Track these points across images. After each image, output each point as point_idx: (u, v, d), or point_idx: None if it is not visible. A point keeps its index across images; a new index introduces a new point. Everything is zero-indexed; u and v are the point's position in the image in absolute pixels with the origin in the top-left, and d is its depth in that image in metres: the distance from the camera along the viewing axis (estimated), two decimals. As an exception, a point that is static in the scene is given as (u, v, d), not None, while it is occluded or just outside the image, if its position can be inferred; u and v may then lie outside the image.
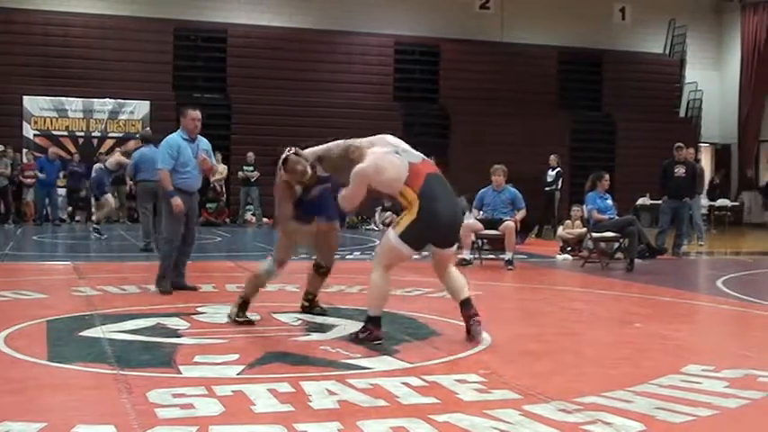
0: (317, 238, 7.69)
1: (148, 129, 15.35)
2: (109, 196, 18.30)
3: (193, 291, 9.67)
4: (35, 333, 6.92)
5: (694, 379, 5.46)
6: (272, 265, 7.48)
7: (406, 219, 6.58)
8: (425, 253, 7.09)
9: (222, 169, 24.54)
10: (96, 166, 19.95)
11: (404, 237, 6.56)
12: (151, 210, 14.84)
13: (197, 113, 9.78)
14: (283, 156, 7.12)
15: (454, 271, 7.00)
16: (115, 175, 19.42)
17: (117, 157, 18.53)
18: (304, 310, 8.00)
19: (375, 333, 6.54)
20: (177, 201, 9.34)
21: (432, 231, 6.61)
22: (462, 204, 7.30)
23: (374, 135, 7.04)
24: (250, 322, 7.40)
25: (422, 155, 6.84)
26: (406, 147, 6.83)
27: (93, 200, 22.82)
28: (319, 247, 7.82)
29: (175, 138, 9.66)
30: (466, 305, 6.83)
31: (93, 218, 18.44)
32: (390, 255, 6.69)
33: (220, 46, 28.30)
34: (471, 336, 6.76)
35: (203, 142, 9.93)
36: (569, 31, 30.64)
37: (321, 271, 7.89)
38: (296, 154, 7.12)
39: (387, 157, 6.66)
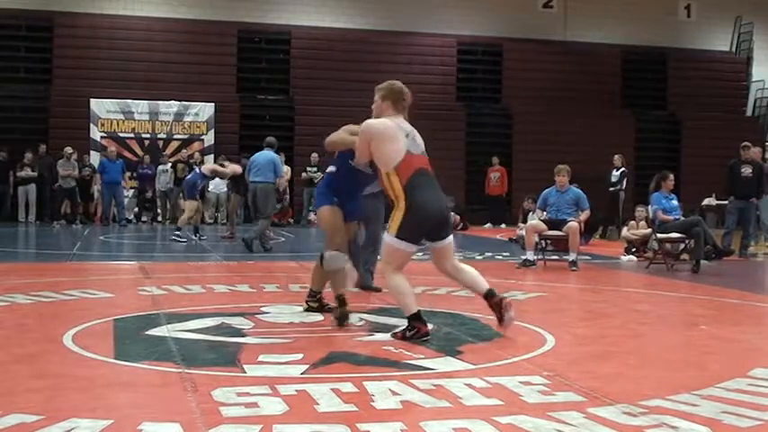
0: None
1: (273, 138, 15.80)
2: (195, 201, 18.39)
3: (378, 292, 9.68)
4: (102, 332, 7.01)
5: (761, 383, 5.37)
6: (333, 254, 7.53)
7: (397, 217, 6.64)
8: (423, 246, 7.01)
9: (286, 170, 24.68)
10: (195, 170, 19.93)
11: (400, 235, 6.63)
12: (254, 208, 15.58)
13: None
14: None
15: (462, 265, 7.06)
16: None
17: (214, 165, 18.75)
18: (312, 310, 7.99)
19: (422, 330, 6.57)
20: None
21: (423, 223, 6.65)
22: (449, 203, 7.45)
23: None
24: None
25: (423, 149, 6.85)
26: (416, 136, 6.83)
27: (180, 201, 23.32)
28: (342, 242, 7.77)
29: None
30: (490, 295, 6.91)
31: (179, 222, 18.57)
32: (394, 256, 6.73)
33: (284, 48, 28.53)
34: (504, 323, 6.81)
35: None
36: (633, 30, 30.38)
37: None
38: None
39: (396, 132, 6.70)
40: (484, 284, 6.98)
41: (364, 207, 8.63)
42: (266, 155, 15.49)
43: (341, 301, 7.44)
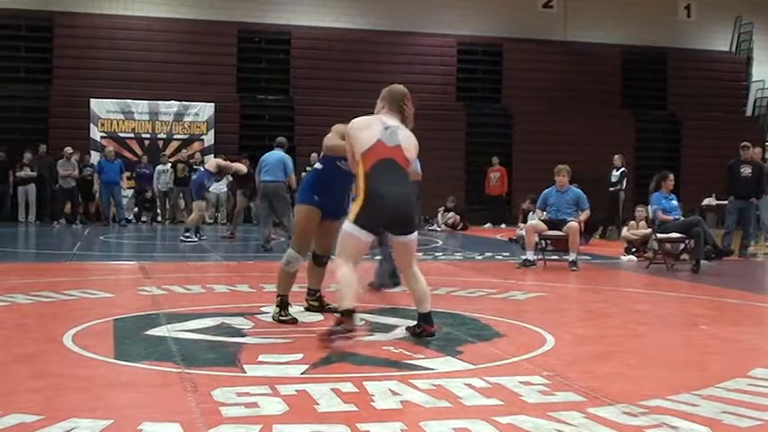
0: (322, 228, 7.67)
1: (283, 138, 15.86)
2: (203, 201, 18.33)
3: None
4: (102, 332, 7.01)
5: (761, 383, 5.37)
6: (292, 253, 7.56)
7: (356, 206, 6.55)
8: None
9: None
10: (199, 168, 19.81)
11: (357, 222, 6.49)
12: (267, 209, 15.51)
13: None
14: None
15: (420, 276, 6.82)
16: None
17: (217, 160, 18.65)
18: (313, 309, 7.99)
19: (349, 326, 6.40)
20: None
21: (379, 211, 6.49)
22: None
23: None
24: (294, 321, 7.49)
25: (400, 142, 6.67)
26: (398, 132, 6.72)
27: (184, 202, 23.53)
28: (323, 238, 7.77)
29: None
30: (425, 319, 6.76)
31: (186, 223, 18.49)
32: (349, 244, 6.54)
33: (284, 48, 28.53)
34: (413, 335, 6.74)
35: None
36: (633, 30, 30.40)
37: (323, 261, 7.91)
38: None
39: (373, 122, 6.69)
40: (426, 307, 6.79)
41: None
42: (276, 155, 15.49)
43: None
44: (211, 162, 18.41)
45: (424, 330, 6.74)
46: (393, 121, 6.76)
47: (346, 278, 6.46)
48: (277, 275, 7.75)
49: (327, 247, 7.77)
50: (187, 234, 17.50)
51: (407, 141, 6.75)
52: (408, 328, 6.89)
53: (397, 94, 6.91)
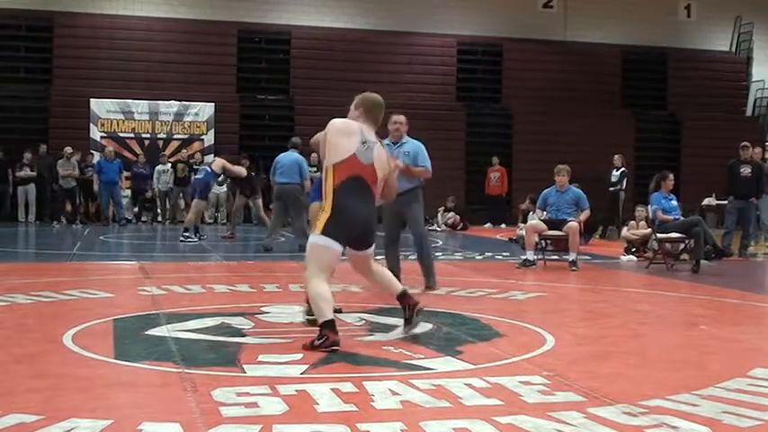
0: None
1: (298, 138, 15.84)
2: (204, 201, 18.27)
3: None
4: (102, 332, 7.02)
5: (761, 383, 5.37)
6: None
7: (322, 218, 6.54)
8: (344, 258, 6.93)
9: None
10: (202, 167, 19.62)
11: (326, 233, 6.48)
12: (280, 210, 15.60)
13: (395, 117, 10.10)
14: None
15: (378, 267, 6.96)
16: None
17: (223, 161, 18.58)
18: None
19: (331, 338, 6.22)
20: None
21: (347, 227, 6.52)
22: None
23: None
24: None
25: (373, 161, 6.67)
26: (374, 148, 6.73)
27: (184, 202, 23.75)
28: None
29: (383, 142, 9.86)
30: (404, 295, 6.81)
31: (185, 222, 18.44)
32: (321, 256, 6.52)
33: (284, 48, 28.53)
34: (410, 326, 6.75)
35: (408, 145, 10.11)
36: (633, 30, 30.40)
37: None
38: None
39: (355, 132, 6.65)
40: (398, 287, 6.87)
41: (400, 204, 9.14)
42: (291, 156, 15.46)
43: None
44: (217, 162, 18.36)
45: (405, 302, 6.77)
46: (371, 135, 6.78)
47: (320, 291, 6.41)
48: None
49: None
50: (186, 234, 17.47)
51: (380, 160, 6.77)
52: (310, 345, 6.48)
53: (377, 105, 6.97)
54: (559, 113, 28.51)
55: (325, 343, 6.20)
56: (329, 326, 6.28)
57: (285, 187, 15.22)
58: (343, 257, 6.84)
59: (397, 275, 9.92)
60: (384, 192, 7.01)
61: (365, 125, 6.80)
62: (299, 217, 15.17)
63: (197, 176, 18.49)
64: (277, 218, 15.77)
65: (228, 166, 18.23)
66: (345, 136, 6.61)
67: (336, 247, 6.51)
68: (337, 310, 7.63)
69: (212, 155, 25.35)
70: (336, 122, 6.73)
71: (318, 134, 7.12)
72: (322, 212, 6.56)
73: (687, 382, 5.33)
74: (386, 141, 9.70)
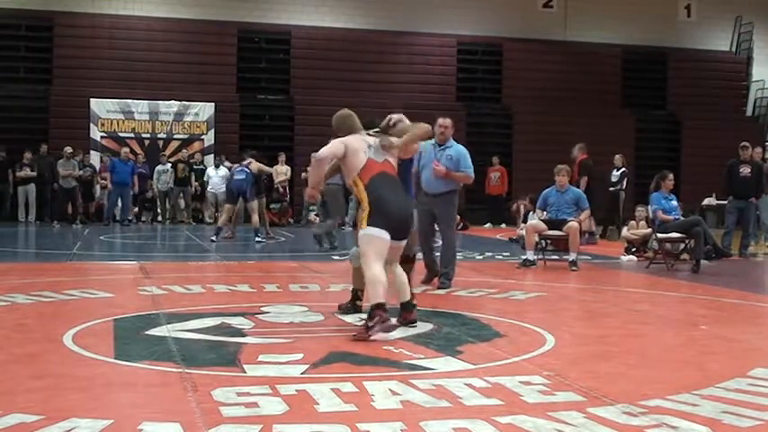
0: None
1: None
2: (254, 202, 18.25)
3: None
4: (102, 331, 7.02)
5: (761, 383, 5.38)
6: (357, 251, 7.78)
7: (364, 216, 6.98)
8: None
9: (285, 170, 24.74)
10: (239, 169, 19.43)
11: (372, 224, 6.89)
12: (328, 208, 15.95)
13: (441, 121, 10.38)
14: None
15: (400, 271, 7.26)
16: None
17: (259, 164, 18.56)
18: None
19: (383, 317, 6.68)
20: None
21: (389, 217, 6.92)
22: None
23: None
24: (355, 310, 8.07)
25: (387, 156, 7.20)
26: (378, 149, 7.19)
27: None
28: None
29: (428, 143, 10.06)
30: (407, 306, 7.18)
31: (219, 222, 18.37)
32: (375, 245, 6.89)
33: (284, 48, 28.52)
34: (395, 327, 6.93)
35: (452, 149, 10.36)
36: (633, 30, 30.39)
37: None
38: None
39: (360, 145, 7.15)
40: (407, 295, 7.21)
41: (434, 204, 9.57)
42: None
43: (355, 295, 8.06)
44: (254, 165, 18.35)
45: (405, 316, 7.12)
46: (369, 138, 7.29)
47: (377, 274, 6.81)
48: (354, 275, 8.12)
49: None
50: (258, 237, 17.48)
51: (388, 154, 7.25)
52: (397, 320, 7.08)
53: (340, 118, 7.49)
54: (559, 113, 28.49)
55: (378, 322, 6.65)
56: (381, 307, 6.70)
57: (330, 187, 15.14)
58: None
59: (434, 271, 10.14)
60: (407, 151, 7.61)
61: (356, 135, 7.28)
62: (336, 215, 15.39)
63: (237, 178, 18.36)
64: (329, 215, 16.11)
65: (263, 167, 18.33)
66: (354, 155, 7.10)
67: (385, 235, 6.89)
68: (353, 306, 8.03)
69: (212, 155, 25.43)
70: (349, 141, 7.18)
71: (323, 150, 7.33)
72: (362, 212, 7.02)
73: (687, 382, 5.33)
74: (430, 143, 9.92)
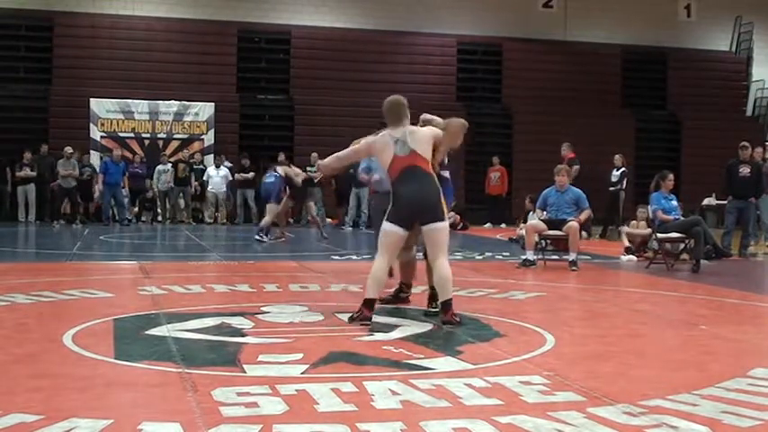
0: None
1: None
2: (276, 204, 18.27)
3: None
4: (102, 331, 7.02)
5: (761, 383, 5.37)
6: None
7: (390, 208, 7.52)
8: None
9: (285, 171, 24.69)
10: (270, 173, 19.33)
11: (388, 219, 7.48)
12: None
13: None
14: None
15: (443, 268, 7.45)
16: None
17: (285, 167, 18.61)
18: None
19: (365, 313, 7.31)
20: None
21: (405, 208, 7.42)
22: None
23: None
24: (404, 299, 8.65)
25: (413, 148, 7.48)
26: (407, 138, 7.52)
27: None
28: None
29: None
30: (445, 306, 7.44)
31: (262, 223, 18.34)
32: (384, 239, 7.51)
33: (284, 48, 28.52)
34: (441, 324, 7.36)
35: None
36: (633, 30, 30.40)
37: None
38: None
39: (386, 144, 7.56)
40: (446, 295, 7.46)
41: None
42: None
43: (403, 286, 8.75)
44: (282, 168, 18.44)
45: (444, 317, 7.39)
46: (397, 131, 7.56)
47: (375, 271, 7.43)
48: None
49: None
50: (260, 234, 17.49)
51: (419, 143, 7.53)
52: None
53: (388, 107, 7.72)
54: (559, 113, 28.49)
55: (359, 316, 7.30)
56: (368, 303, 7.38)
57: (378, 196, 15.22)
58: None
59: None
60: (450, 139, 7.95)
61: (390, 128, 7.62)
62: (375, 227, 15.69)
63: (267, 180, 18.47)
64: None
65: (290, 172, 18.35)
66: (381, 153, 7.60)
67: (396, 229, 7.45)
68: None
69: (212, 155, 25.43)
70: (376, 143, 7.71)
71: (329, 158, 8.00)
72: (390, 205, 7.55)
73: (687, 382, 5.33)
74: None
